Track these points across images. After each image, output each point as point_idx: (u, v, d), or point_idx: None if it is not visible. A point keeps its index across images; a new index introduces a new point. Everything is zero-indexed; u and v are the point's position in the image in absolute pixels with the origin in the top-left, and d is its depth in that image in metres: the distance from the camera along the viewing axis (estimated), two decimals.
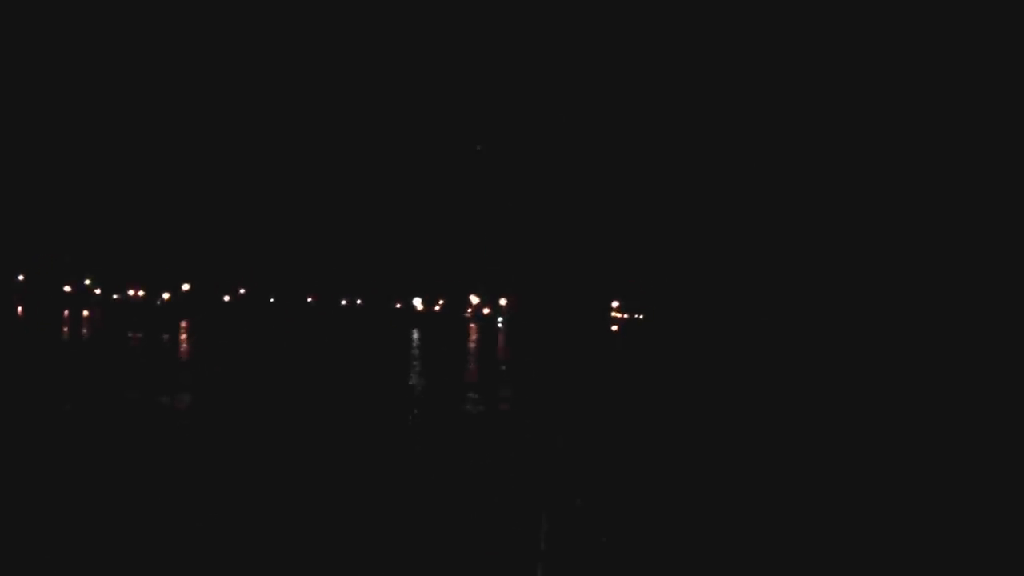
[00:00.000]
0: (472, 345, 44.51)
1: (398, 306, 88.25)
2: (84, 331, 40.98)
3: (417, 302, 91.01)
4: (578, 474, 9.74)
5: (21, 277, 72.63)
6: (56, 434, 11.16)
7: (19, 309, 57.01)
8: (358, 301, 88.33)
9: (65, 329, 41.17)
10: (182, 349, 33.05)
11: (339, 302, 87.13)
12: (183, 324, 53.73)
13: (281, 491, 8.22)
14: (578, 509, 7.19)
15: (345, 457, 10.26)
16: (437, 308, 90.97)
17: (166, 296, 74.57)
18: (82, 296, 76.31)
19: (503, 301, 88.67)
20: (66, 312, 57.91)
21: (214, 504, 7.60)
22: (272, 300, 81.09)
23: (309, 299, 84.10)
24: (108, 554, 6.22)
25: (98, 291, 79.31)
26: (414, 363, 30.30)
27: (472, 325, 76.33)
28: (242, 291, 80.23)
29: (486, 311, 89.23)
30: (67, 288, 75.61)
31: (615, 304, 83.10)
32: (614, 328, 75.15)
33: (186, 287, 76.00)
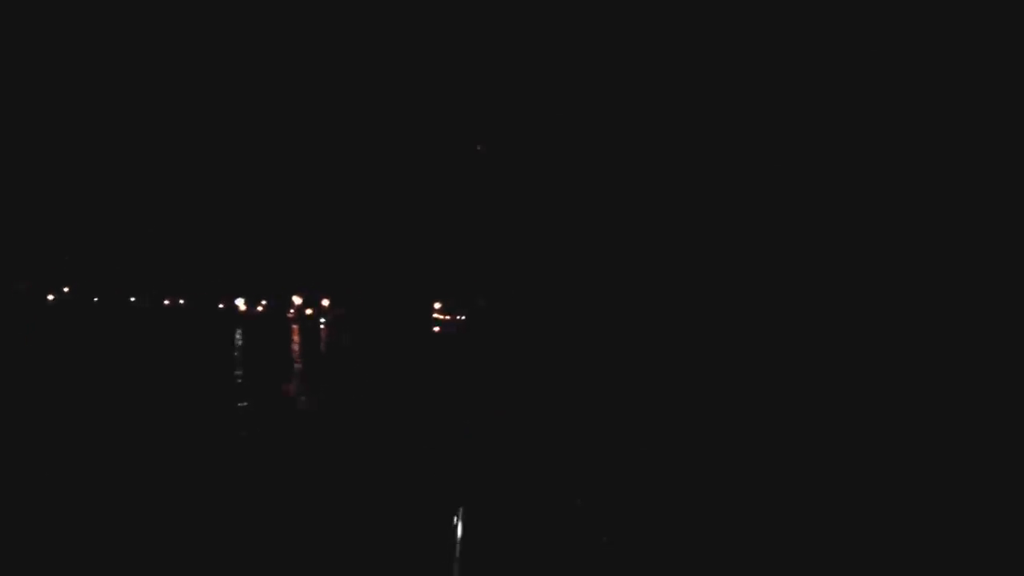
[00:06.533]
0: (294, 345, 43.73)
1: (221, 306, 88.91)
2: None
3: (240, 302, 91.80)
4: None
5: None
6: None
7: None
8: (181, 301, 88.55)
9: None
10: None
11: (162, 302, 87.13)
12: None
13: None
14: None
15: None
16: (260, 308, 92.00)
17: None
18: None
19: (325, 302, 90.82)
20: None
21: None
22: (96, 299, 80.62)
23: (132, 299, 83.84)
24: None
25: None
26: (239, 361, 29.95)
27: (295, 326, 77.92)
28: (66, 290, 79.46)
29: (308, 312, 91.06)
30: None
31: (437, 305, 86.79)
32: (436, 329, 78.74)
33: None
